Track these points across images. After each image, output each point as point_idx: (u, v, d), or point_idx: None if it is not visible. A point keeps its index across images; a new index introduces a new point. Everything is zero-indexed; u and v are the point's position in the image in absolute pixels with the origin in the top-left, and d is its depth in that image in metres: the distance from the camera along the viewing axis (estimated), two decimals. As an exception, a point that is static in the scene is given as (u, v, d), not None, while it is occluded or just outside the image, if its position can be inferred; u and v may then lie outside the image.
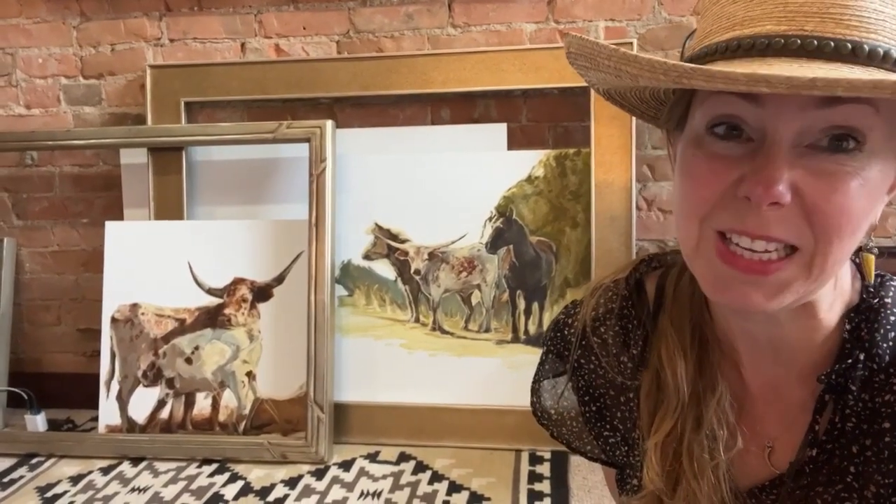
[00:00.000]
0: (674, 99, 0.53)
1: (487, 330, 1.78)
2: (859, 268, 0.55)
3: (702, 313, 0.58)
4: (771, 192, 0.43)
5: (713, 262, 0.48)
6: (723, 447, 0.55)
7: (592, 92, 1.52)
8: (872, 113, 0.43)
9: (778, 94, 0.42)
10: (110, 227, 1.89)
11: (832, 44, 0.41)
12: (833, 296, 0.53)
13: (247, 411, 1.78)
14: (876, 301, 0.53)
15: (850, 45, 0.41)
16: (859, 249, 0.51)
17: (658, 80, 0.42)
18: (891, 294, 0.54)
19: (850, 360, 0.51)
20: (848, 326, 0.53)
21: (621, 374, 0.63)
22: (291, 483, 1.62)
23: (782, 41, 0.42)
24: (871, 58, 0.41)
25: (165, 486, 1.63)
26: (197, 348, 1.81)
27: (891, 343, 0.52)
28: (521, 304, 1.77)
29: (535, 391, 0.73)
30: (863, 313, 0.53)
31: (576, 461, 1.62)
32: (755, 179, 0.44)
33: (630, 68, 0.43)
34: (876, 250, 0.52)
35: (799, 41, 0.42)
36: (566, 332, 0.68)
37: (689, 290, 0.59)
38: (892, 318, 0.52)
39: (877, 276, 0.55)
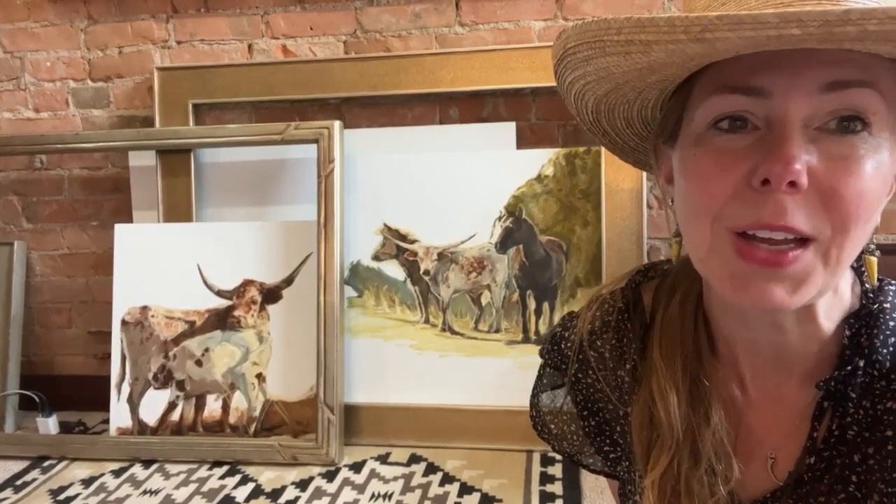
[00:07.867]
0: (668, 108, 0.52)
1: (498, 330, 1.77)
2: (859, 272, 0.54)
3: (695, 337, 0.57)
4: (790, 168, 0.42)
5: (730, 261, 0.46)
6: (722, 480, 0.54)
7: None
8: (878, 99, 0.43)
9: (782, 81, 0.43)
10: (119, 229, 1.89)
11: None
12: (831, 300, 0.51)
13: (257, 413, 1.78)
14: (876, 306, 0.52)
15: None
16: (861, 252, 0.49)
17: (676, 44, 0.40)
18: (890, 298, 0.52)
19: (849, 367, 0.50)
20: (848, 332, 0.51)
21: (618, 390, 0.61)
22: (302, 485, 1.62)
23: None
24: None
25: (177, 488, 1.63)
26: (207, 350, 1.81)
27: (891, 349, 0.50)
28: (532, 304, 1.76)
29: (534, 405, 0.71)
30: (862, 319, 0.51)
31: (588, 462, 1.61)
32: (772, 159, 0.42)
33: (645, 35, 0.41)
34: (878, 253, 0.51)
35: None
36: (563, 346, 0.66)
37: (679, 316, 0.57)
38: (892, 323, 0.51)
39: (877, 279, 0.53)
